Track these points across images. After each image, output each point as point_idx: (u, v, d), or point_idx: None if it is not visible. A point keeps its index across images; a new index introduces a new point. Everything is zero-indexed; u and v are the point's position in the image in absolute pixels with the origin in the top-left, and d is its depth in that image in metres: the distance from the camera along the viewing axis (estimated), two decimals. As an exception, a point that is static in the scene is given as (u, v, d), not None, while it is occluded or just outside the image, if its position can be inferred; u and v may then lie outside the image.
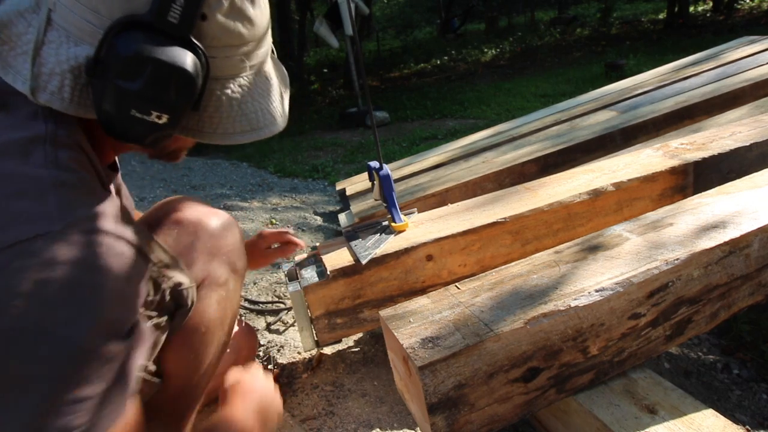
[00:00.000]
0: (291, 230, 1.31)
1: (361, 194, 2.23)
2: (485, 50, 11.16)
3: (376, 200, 1.36)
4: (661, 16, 11.49)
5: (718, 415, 0.77)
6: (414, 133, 4.62)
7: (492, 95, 6.15)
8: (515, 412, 0.82)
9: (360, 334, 1.45)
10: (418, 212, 1.43)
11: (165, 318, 0.76)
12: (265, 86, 0.73)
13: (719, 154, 1.39)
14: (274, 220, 2.49)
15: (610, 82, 3.38)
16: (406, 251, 1.21)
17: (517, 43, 11.31)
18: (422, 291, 1.25)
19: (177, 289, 0.77)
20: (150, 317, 0.73)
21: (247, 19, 0.66)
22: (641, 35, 9.49)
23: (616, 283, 0.84)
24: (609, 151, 1.93)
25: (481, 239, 1.25)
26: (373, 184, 1.35)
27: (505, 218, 1.25)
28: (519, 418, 0.83)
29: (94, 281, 0.54)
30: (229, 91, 0.68)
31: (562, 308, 0.80)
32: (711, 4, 11.22)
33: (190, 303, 0.80)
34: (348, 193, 2.32)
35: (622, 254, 0.93)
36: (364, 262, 1.18)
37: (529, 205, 1.29)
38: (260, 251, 1.24)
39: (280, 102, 0.76)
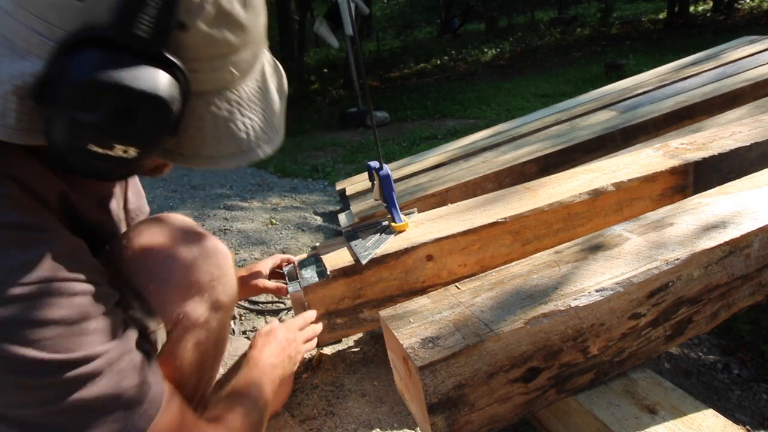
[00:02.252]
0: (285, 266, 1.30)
1: (361, 194, 2.23)
2: (485, 50, 11.15)
3: (376, 200, 1.36)
4: (661, 16, 11.49)
5: (718, 415, 0.77)
6: (414, 133, 4.62)
7: (492, 95, 6.14)
8: (515, 412, 0.82)
9: (360, 334, 1.44)
10: (418, 212, 1.43)
11: None
12: (259, 98, 0.63)
13: (719, 154, 1.39)
14: (274, 220, 2.49)
15: (610, 82, 3.38)
16: (406, 251, 1.21)
17: (517, 43, 11.31)
18: (422, 291, 1.25)
19: (142, 335, 0.68)
20: None
21: (237, 25, 0.55)
22: (641, 35, 9.48)
23: (617, 283, 0.84)
24: (609, 151, 1.93)
25: (481, 239, 1.25)
26: (373, 184, 1.35)
27: (505, 218, 1.25)
28: (519, 418, 0.83)
29: (43, 335, 0.50)
30: (214, 108, 0.58)
31: (562, 308, 0.80)
32: (711, 4, 11.22)
33: (158, 347, 0.73)
34: (348, 193, 2.32)
35: (622, 254, 0.93)
36: (364, 262, 1.18)
37: (529, 205, 1.29)
38: (251, 285, 1.21)
39: (275, 115, 0.66)
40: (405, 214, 1.37)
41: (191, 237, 0.79)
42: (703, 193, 1.14)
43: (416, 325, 0.82)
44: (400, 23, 20.05)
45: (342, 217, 2.22)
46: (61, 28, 0.47)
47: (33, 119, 0.50)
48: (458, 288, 0.92)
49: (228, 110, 0.59)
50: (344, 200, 2.41)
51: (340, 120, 5.77)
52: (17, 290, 0.50)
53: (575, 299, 0.82)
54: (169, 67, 0.50)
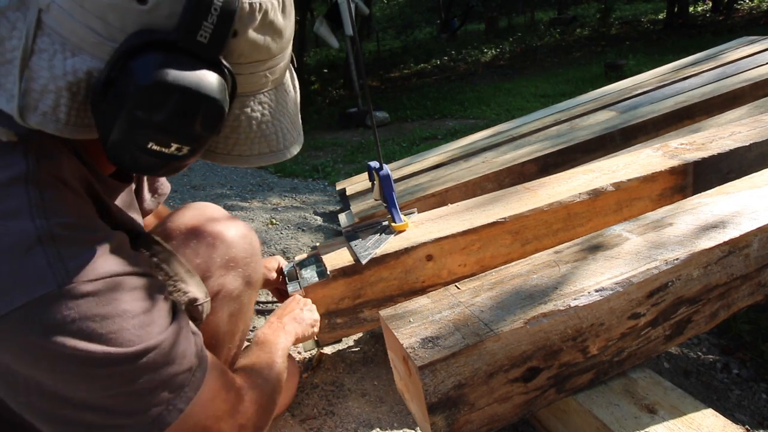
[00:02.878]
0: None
1: (361, 194, 2.23)
2: (485, 50, 11.16)
3: (376, 200, 1.36)
4: (660, 17, 11.50)
5: (718, 414, 0.77)
6: (414, 133, 4.62)
7: (492, 95, 6.15)
8: (515, 411, 0.82)
9: (360, 334, 1.45)
10: (418, 212, 1.43)
11: None
12: (285, 101, 0.67)
13: (719, 154, 1.39)
14: (274, 220, 2.49)
15: (610, 82, 3.39)
16: (406, 251, 1.21)
17: (516, 44, 11.32)
18: (422, 291, 1.25)
19: (192, 304, 0.75)
20: None
21: (276, 32, 0.59)
22: (641, 35, 9.49)
23: (616, 283, 0.84)
24: (609, 151, 1.93)
25: (481, 239, 1.25)
26: (373, 184, 1.35)
27: (505, 218, 1.25)
28: (519, 418, 0.83)
29: (110, 329, 0.53)
30: (248, 110, 0.62)
31: (561, 308, 0.80)
32: (711, 4, 11.22)
33: (204, 317, 0.78)
34: (348, 193, 2.32)
35: (621, 254, 0.93)
36: (364, 262, 1.18)
37: (529, 205, 1.29)
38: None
39: (297, 116, 0.71)
40: (405, 214, 1.37)
41: (227, 220, 0.88)
42: (703, 193, 1.15)
43: (416, 324, 0.82)
44: (400, 23, 20.04)
45: (342, 217, 2.23)
46: (120, 29, 0.49)
47: (81, 115, 0.52)
48: (458, 288, 0.92)
49: (261, 112, 0.63)
50: (344, 200, 2.41)
51: (340, 120, 5.77)
52: (85, 288, 0.52)
53: (575, 299, 0.82)
54: (221, 72, 0.53)
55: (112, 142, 0.52)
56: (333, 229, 2.33)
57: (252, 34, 0.56)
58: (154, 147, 0.52)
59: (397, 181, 2.19)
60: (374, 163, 1.33)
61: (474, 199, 1.46)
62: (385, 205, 1.33)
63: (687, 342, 1.35)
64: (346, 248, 1.29)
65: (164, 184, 1.00)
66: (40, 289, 0.50)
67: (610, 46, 8.84)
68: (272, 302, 1.67)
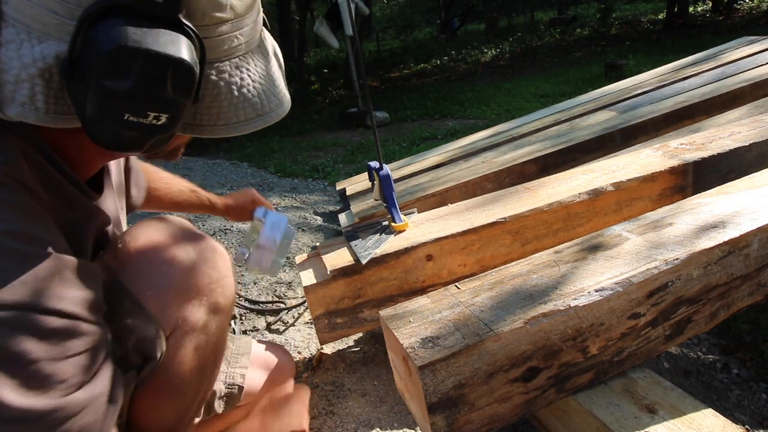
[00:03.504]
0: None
1: (361, 194, 2.23)
2: (485, 50, 11.16)
3: (376, 200, 1.36)
4: (660, 17, 11.50)
5: (718, 414, 0.77)
6: (414, 133, 4.62)
7: (492, 95, 6.15)
8: (515, 411, 0.82)
9: (360, 334, 1.45)
10: (418, 212, 1.43)
11: (132, 372, 0.67)
12: (265, 63, 0.65)
13: (718, 154, 1.39)
14: (274, 220, 2.48)
15: (610, 82, 3.39)
16: (406, 251, 1.21)
17: (516, 44, 11.32)
18: (422, 291, 1.25)
19: (141, 344, 0.67)
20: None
21: None
22: (641, 35, 9.49)
23: (616, 283, 0.84)
24: (609, 151, 1.93)
25: (480, 239, 1.25)
26: (373, 184, 1.35)
27: (504, 218, 1.25)
28: (519, 418, 0.83)
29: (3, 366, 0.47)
30: (227, 75, 0.60)
31: (561, 308, 0.81)
32: (710, 4, 11.22)
33: (158, 354, 0.70)
34: (348, 193, 2.33)
35: (621, 254, 0.93)
36: (364, 261, 1.18)
37: (529, 205, 1.30)
38: (242, 209, 1.20)
39: (280, 81, 0.68)
40: (405, 214, 1.37)
41: (188, 239, 0.76)
42: (703, 193, 1.15)
43: (416, 324, 0.82)
44: (400, 23, 20.04)
45: (342, 217, 2.23)
46: (77, 4, 0.49)
47: (60, 102, 0.52)
48: (458, 288, 0.92)
49: (239, 77, 0.60)
50: (344, 200, 2.41)
51: (340, 120, 5.78)
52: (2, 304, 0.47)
53: (575, 299, 0.82)
54: (185, 32, 0.52)
55: (89, 119, 0.51)
56: (333, 229, 2.33)
57: None
58: (131, 118, 0.51)
59: (397, 181, 2.19)
60: (374, 163, 1.33)
61: (474, 199, 1.46)
62: (385, 205, 1.33)
63: (687, 342, 1.35)
64: (346, 248, 1.29)
65: (141, 176, 0.99)
66: None
67: (610, 46, 8.84)
68: (272, 302, 1.67)
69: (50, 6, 0.49)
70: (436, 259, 1.23)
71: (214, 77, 0.59)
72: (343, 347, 1.41)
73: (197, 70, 0.53)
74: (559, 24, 12.85)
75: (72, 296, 0.54)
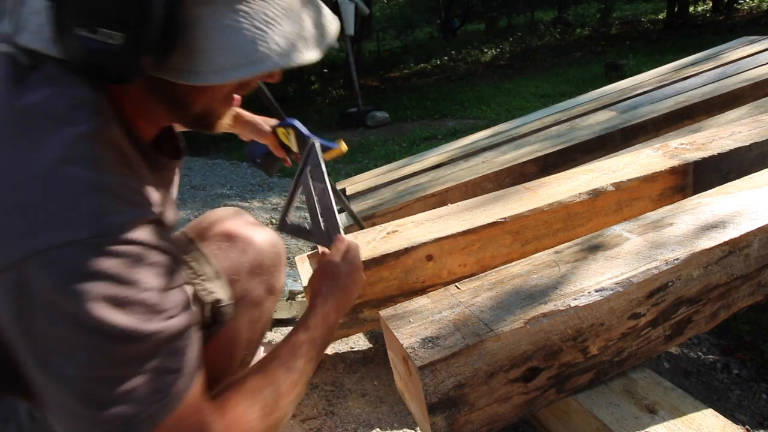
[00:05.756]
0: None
1: (361, 194, 2.23)
2: (485, 50, 11.16)
3: (298, 152, 1.27)
4: (660, 17, 11.50)
5: (718, 414, 0.77)
6: (414, 133, 4.63)
7: (492, 95, 6.15)
8: (515, 412, 0.82)
9: (360, 334, 1.45)
10: (418, 212, 1.43)
11: (201, 331, 0.72)
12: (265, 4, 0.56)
13: (719, 154, 1.39)
14: (274, 220, 2.49)
15: (610, 82, 3.39)
16: (406, 251, 1.21)
17: (517, 44, 11.32)
18: (422, 291, 1.25)
19: (216, 305, 0.75)
20: None
21: None
22: (641, 35, 9.49)
23: (616, 283, 0.84)
24: (609, 151, 1.93)
25: (481, 239, 1.25)
26: (289, 141, 1.26)
27: (505, 218, 1.25)
28: (519, 418, 0.83)
29: (124, 292, 0.51)
30: (216, 15, 0.54)
31: (562, 308, 0.80)
32: (711, 4, 11.22)
33: (225, 319, 0.78)
34: (348, 193, 2.32)
35: (621, 254, 0.93)
36: (342, 234, 0.93)
37: (529, 205, 1.29)
38: (257, 129, 1.23)
39: (304, 21, 0.63)
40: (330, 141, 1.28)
41: (257, 226, 0.89)
42: (703, 193, 1.15)
43: (416, 325, 0.82)
44: (400, 23, 20.03)
45: (342, 217, 2.23)
46: None
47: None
48: (458, 288, 0.92)
49: (234, 20, 0.54)
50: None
51: (340, 120, 5.78)
52: (119, 247, 0.50)
53: (575, 299, 0.82)
54: None
55: (56, 42, 0.51)
56: (333, 229, 2.32)
57: None
58: (83, 33, 0.49)
59: (397, 181, 2.20)
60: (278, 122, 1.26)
61: (474, 199, 1.46)
62: (310, 141, 1.15)
63: (687, 342, 1.35)
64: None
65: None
66: (72, 234, 0.48)
67: (610, 46, 8.84)
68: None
69: None
70: (436, 259, 1.23)
71: (207, 18, 0.53)
72: (343, 347, 1.41)
73: None
74: (559, 24, 12.85)
75: (176, 243, 0.63)
